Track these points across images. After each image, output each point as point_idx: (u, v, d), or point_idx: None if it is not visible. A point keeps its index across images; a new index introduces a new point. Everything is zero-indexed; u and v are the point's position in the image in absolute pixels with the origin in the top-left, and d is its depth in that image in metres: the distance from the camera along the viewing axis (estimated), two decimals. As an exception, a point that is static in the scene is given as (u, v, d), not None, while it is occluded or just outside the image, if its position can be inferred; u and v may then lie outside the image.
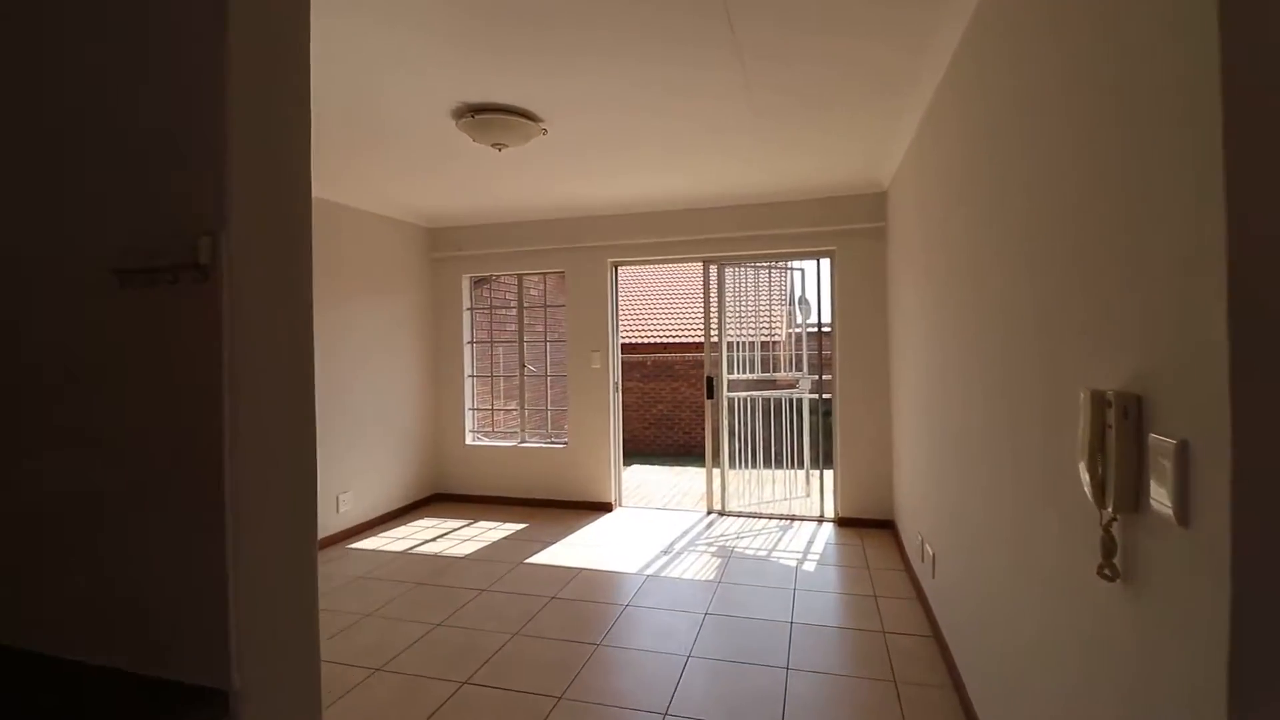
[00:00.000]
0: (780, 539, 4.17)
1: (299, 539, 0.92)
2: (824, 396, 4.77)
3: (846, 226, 4.29)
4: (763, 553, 3.90)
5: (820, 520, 4.53)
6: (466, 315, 5.30)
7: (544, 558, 3.88)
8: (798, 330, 5.08)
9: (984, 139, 1.88)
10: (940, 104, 2.44)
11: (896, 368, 3.91)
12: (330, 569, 3.76)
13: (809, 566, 3.64)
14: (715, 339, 4.80)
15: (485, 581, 3.51)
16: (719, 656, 2.62)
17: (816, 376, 4.80)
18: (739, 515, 4.70)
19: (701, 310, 5.07)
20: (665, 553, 3.93)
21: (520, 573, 3.64)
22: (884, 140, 3.20)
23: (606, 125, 2.91)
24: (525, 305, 5.34)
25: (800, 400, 4.92)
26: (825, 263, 4.58)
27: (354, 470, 4.45)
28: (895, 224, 3.81)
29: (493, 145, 2.81)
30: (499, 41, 2.13)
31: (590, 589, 3.38)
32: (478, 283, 5.50)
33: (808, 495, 4.88)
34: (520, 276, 5.26)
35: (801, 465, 4.94)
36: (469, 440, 5.27)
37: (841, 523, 4.39)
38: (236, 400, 0.82)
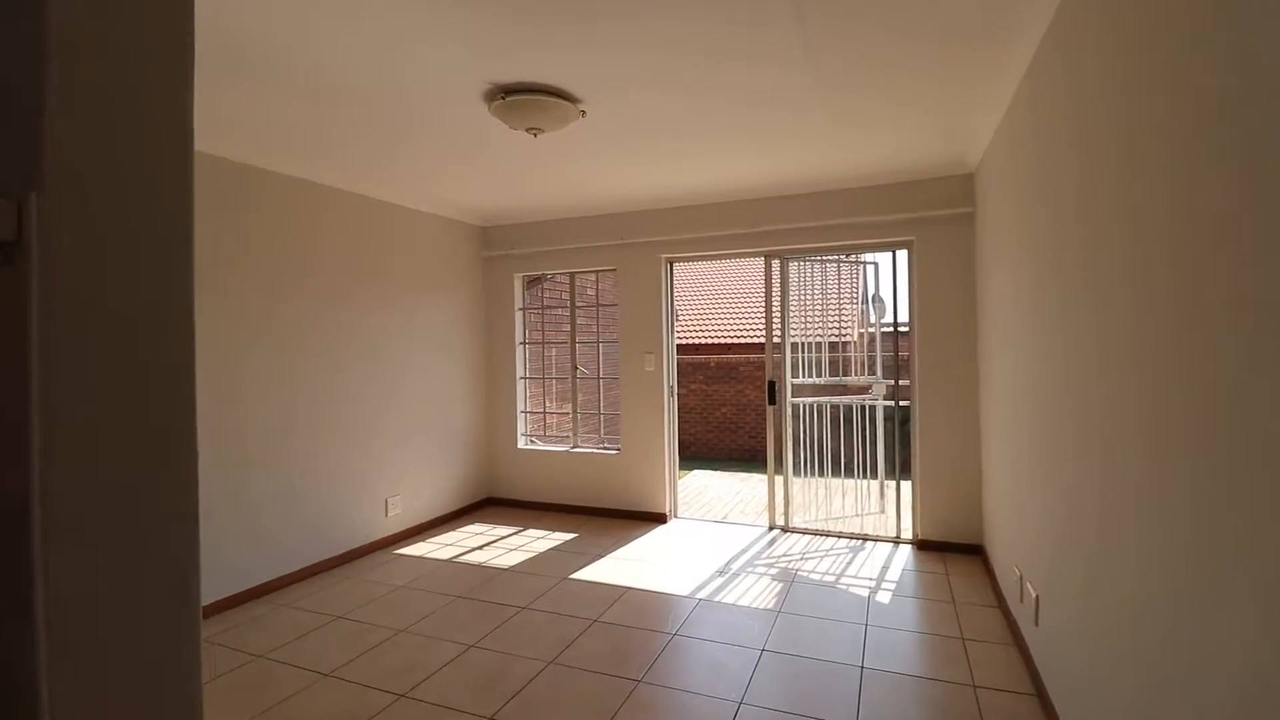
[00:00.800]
0: (850, 562, 3.76)
1: (164, 614, 0.68)
2: (901, 403, 4.30)
3: (927, 213, 3.83)
4: (830, 578, 3.51)
5: (896, 541, 4.08)
6: (519, 315, 5.15)
7: (590, 573, 3.64)
8: (871, 330, 4.63)
9: (1104, 100, 1.47)
10: (1048, 59, 2.02)
11: (987, 374, 3.42)
12: (375, 575, 3.66)
13: (883, 597, 3.23)
14: (778, 339, 4.43)
15: (527, 598, 3.30)
16: (776, 706, 2.28)
17: (892, 381, 4.34)
18: (804, 532, 4.31)
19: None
20: (720, 573, 3.61)
21: (564, 590, 3.41)
22: (973, 109, 2.76)
23: (650, 104, 2.62)
24: (579, 305, 5.14)
25: (874, 407, 4.47)
26: (902, 255, 4.12)
27: (403, 473, 4.37)
28: (986, 209, 3.33)
29: (527, 130, 2.59)
30: (524, 6, 1.89)
31: (636, 612, 3.10)
32: (531, 282, 5.35)
33: (882, 512, 4.42)
34: (572, 275, 5.06)
35: (875, 477, 4.48)
36: (521, 444, 5.12)
37: (921, 546, 3.92)
38: (51, 428, 0.59)
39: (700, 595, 3.29)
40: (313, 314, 3.72)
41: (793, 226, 4.16)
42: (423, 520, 4.53)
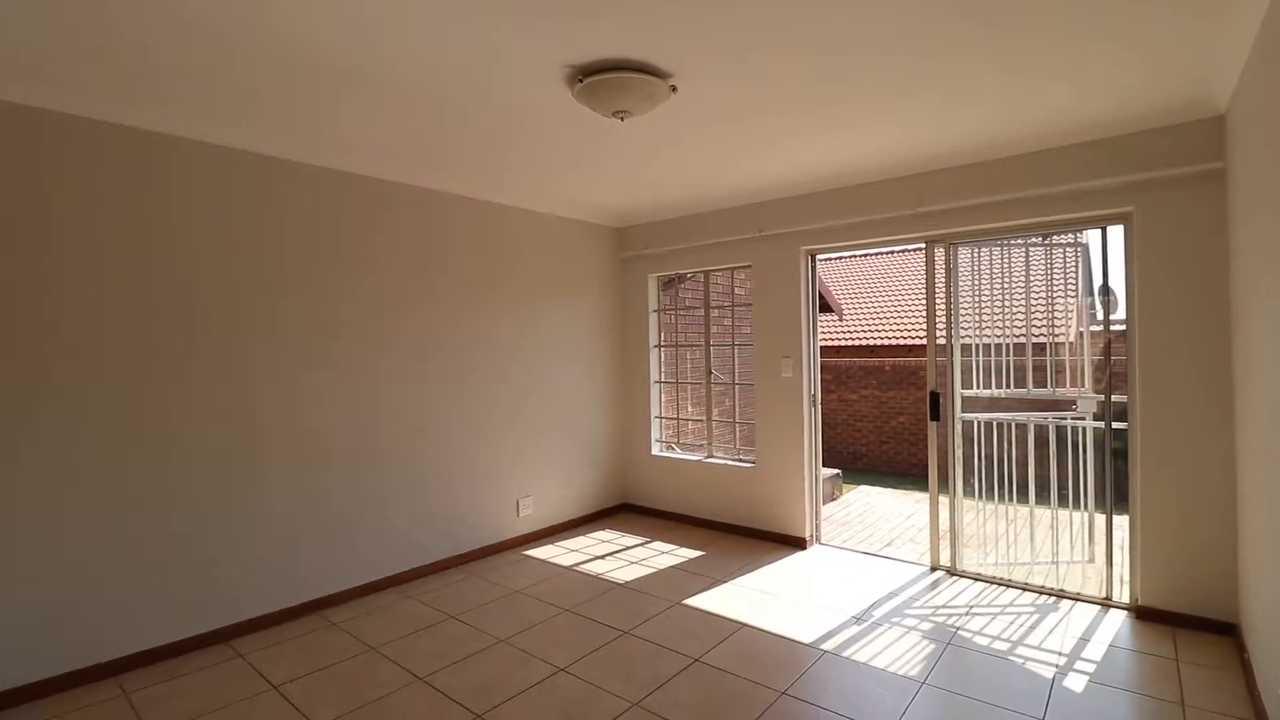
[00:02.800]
0: (1035, 625, 2.97)
1: None
2: (1116, 425, 3.33)
3: (1150, 174, 2.89)
4: (1002, 644, 2.79)
5: (1105, 604, 3.16)
6: (653, 317, 4.96)
7: (706, 600, 3.31)
8: (1080, 330, 3.66)
9: None
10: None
11: (1251, 389, 2.44)
12: (497, 577, 3.70)
13: (1075, 683, 2.47)
14: (943, 341, 3.70)
15: (633, 621, 3.08)
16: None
17: (1103, 396, 3.38)
18: (975, 578, 3.55)
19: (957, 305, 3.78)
20: (858, 620, 3.06)
21: (673, 616, 3.13)
22: (1215, 24, 1.95)
23: (751, 68, 2.23)
24: (715, 305, 4.80)
25: (1079, 429, 3.51)
26: (1115, 232, 3.18)
27: (536, 475, 4.40)
28: (1248, 163, 2.37)
29: (614, 115, 2.35)
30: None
31: (745, 657, 2.71)
32: (666, 283, 5.13)
33: (1090, 560, 3.47)
34: (706, 274, 4.74)
35: (1081, 508, 3.52)
36: (655, 451, 4.92)
37: (1141, 614, 2.99)
38: None
39: (826, 646, 2.80)
40: (445, 320, 3.86)
41: (961, 205, 3.42)
42: (554, 523, 4.54)
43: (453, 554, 3.88)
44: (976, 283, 3.62)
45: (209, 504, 2.89)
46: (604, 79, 2.18)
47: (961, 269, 3.60)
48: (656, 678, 2.54)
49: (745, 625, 3.01)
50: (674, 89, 2.33)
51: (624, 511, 5.02)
